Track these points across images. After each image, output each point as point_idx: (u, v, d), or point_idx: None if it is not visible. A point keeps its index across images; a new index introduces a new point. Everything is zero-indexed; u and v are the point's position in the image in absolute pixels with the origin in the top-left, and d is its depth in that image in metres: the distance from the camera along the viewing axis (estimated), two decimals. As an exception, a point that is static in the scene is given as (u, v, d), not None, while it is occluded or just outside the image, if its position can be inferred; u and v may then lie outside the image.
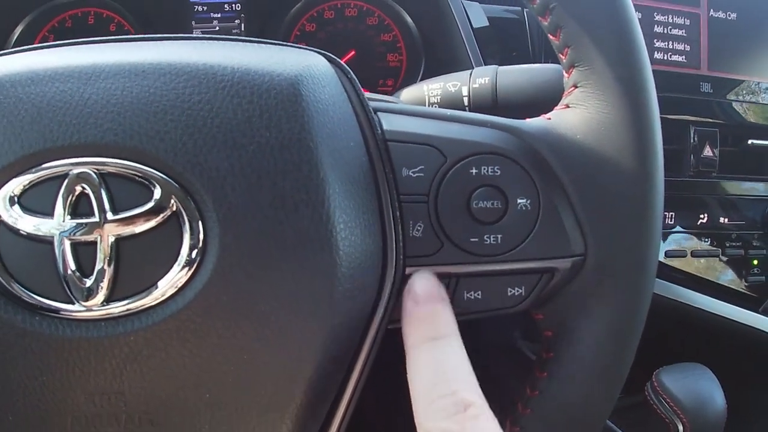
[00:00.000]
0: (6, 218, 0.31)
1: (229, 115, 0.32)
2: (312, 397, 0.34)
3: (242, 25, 0.77)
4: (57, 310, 0.32)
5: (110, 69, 0.33)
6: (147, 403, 0.33)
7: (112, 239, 0.31)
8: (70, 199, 0.32)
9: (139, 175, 0.32)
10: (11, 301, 0.32)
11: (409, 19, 0.76)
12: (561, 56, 0.39)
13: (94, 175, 0.32)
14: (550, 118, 0.39)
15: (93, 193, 0.32)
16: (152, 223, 0.32)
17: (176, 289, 0.32)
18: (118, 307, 0.32)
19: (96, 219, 0.31)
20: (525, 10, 0.75)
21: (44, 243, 0.31)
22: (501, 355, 0.78)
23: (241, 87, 0.33)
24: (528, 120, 0.39)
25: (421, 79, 0.63)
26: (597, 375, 0.39)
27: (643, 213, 0.37)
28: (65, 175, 0.31)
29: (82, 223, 0.31)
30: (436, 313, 0.34)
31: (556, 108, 0.40)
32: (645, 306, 0.39)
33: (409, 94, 0.56)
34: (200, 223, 0.32)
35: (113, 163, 0.32)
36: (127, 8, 0.76)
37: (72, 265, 0.31)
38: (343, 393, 0.36)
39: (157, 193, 0.32)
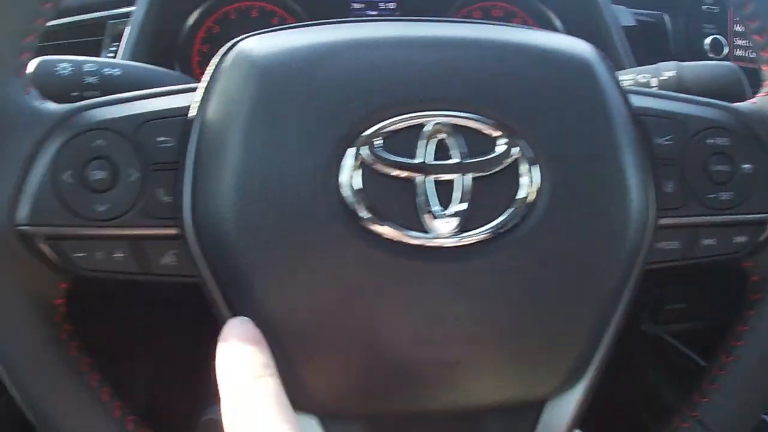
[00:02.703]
0: (371, 162, 0.36)
1: (550, 83, 0.39)
2: (590, 329, 0.40)
3: (396, 22, 0.81)
4: (417, 243, 0.36)
5: (450, 42, 0.39)
6: (476, 326, 0.38)
7: (468, 180, 0.36)
8: (430, 144, 0.37)
9: (486, 128, 0.37)
10: (376, 236, 0.36)
11: (557, 22, 0.81)
12: (763, 53, 0.46)
13: (450, 126, 0.37)
14: (755, 102, 0.46)
15: (451, 140, 0.37)
16: (497, 168, 0.37)
17: (513, 225, 0.37)
18: (468, 239, 0.37)
19: (456, 161, 0.37)
20: (665, 14, 0.80)
21: (407, 182, 0.36)
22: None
23: (553, 61, 0.40)
24: (739, 103, 0.46)
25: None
26: None
27: None
28: (423, 125, 0.37)
29: (442, 165, 0.37)
30: (251, 354, 0.35)
31: (758, 95, 0.47)
32: None
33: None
34: (535, 169, 0.38)
35: (466, 117, 0.37)
36: (286, 5, 0.81)
37: (433, 202, 0.36)
38: (608, 327, 0.41)
39: (501, 143, 0.37)
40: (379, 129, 0.36)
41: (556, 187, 0.38)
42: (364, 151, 0.36)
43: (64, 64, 0.50)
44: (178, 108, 0.39)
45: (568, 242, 0.38)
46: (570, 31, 0.80)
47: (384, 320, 0.37)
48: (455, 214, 0.36)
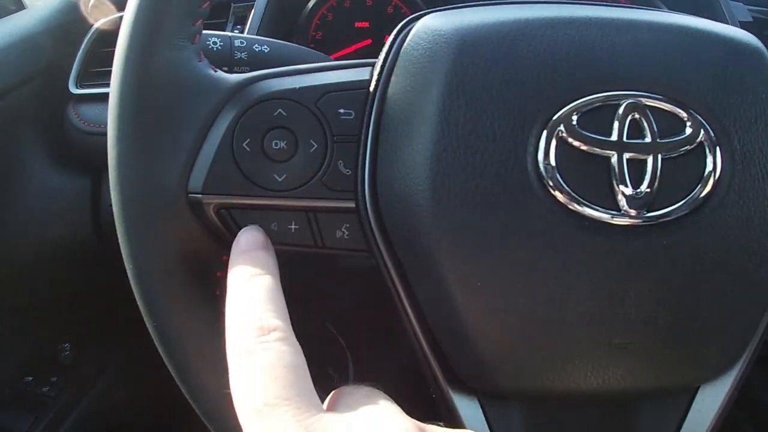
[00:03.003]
0: (568, 138, 0.36)
1: (731, 69, 0.39)
2: (752, 313, 0.40)
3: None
4: (607, 221, 0.36)
5: (639, 24, 0.39)
6: (656, 307, 0.37)
7: (659, 159, 0.36)
8: (624, 123, 0.37)
9: (676, 110, 0.37)
10: (569, 211, 0.36)
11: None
12: None
13: (642, 107, 0.37)
14: None
15: (644, 120, 0.37)
16: (685, 149, 0.37)
17: (697, 207, 0.37)
18: (654, 219, 0.37)
19: (648, 141, 0.37)
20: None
21: (602, 159, 0.36)
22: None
23: (733, 48, 0.40)
24: None
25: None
26: None
27: None
28: (618, 104, 0.37)
29: (637, 144, 0.37)
30: (256, 256, 0.37)
31: None
32: None
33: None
34: (718, 153, 0.37)
35: (657, 98, 0.37)
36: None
37: (626, 179, 0.36)
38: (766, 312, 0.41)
39: (690, 126, 0.37)
40: (576, 106, 0.36)
41: (736, 170, 0.38)
42: (561, 127, 0.36)
43: (215, 39, 0.51)
44: (358, 81, 0.40)
45: (745, 226, 0.38)
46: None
47: (563, 297, 0.37)
48: (645, 193, 0.36)
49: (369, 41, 0.80)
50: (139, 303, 0.39)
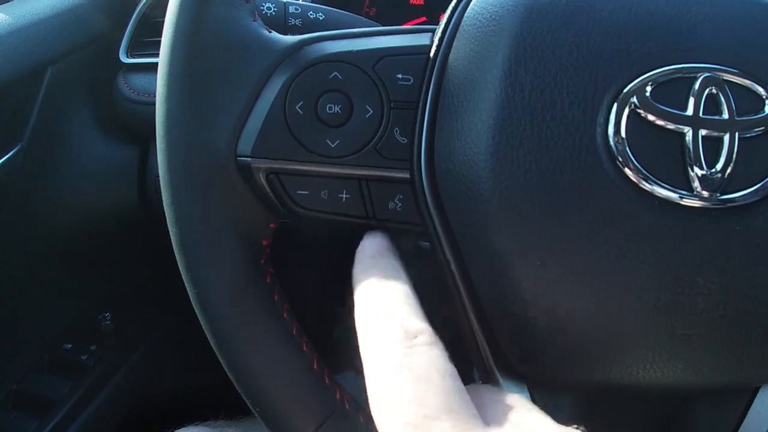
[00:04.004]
0: (641, 111, 0.34)
1: None
2: None
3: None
4: (675, 198, 0.34)
5: None
6: (727, 297, 0.35)
7: (736, 138, 0.34)
8: (701, 98, 0.34)
9: (755, 88, 0.35)
10: (637, 189, 0.34)
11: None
12: None
13: (721, 81, 0.34)
14: None
15: (722, 95, 0.34)
16: (762, 129, 0.34)
17: None
18: (727, 201, 0.34)
19: (725, 117, 0.34)
20: None
21: (675, 135, 0.34)
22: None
23: None
24: None
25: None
26: None
27: None
28: (694, 78, 0.34)
29: (714, 120, 0.34)
30: (385, 263, 0.36)
31: None
32: None
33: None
34: None
35: (735, 72, 0.35)
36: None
37: (700, 157, 0.34)
38: None
39: None
40: (650, 77, 0.34)
41: None
42: (634, 99, 0.34)
43: (269, 4, 0.50)
44: (418, 46, 0.38)
45: None
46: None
47: (627, 280, 0.34)
48: (720, 174, 0.34)
49: (423, 18, 0.79)
50: (181, 268, 0.38)
